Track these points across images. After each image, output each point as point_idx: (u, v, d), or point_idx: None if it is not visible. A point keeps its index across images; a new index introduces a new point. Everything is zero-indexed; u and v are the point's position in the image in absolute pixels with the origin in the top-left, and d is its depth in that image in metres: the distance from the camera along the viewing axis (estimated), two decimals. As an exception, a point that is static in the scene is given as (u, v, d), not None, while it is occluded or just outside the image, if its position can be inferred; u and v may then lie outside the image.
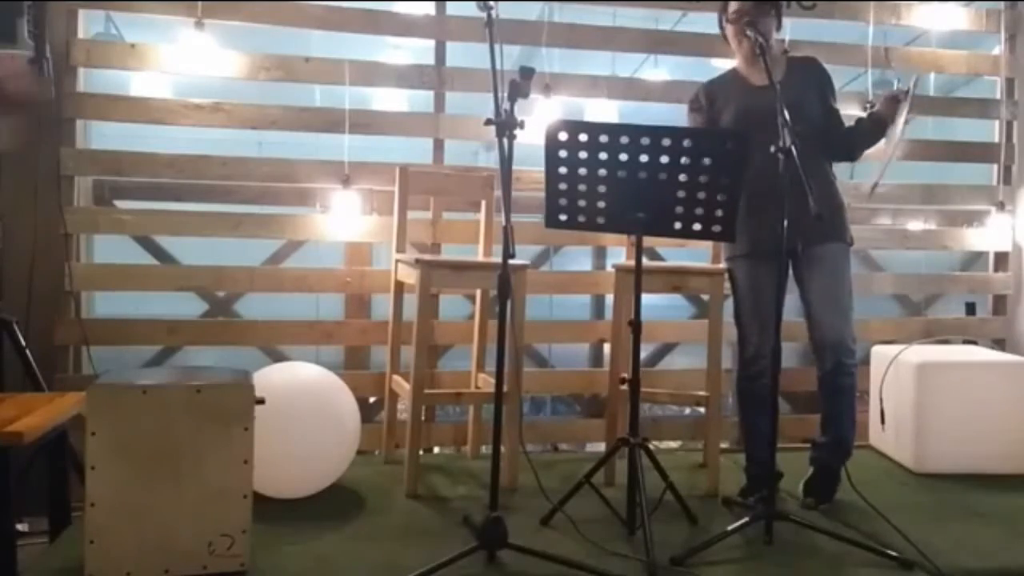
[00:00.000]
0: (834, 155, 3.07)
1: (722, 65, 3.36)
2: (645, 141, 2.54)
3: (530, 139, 2.55)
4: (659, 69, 4.93)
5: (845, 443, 2.93)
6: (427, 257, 3.14)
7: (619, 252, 3.59)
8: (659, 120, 2.64)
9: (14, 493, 2.15)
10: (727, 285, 3.09)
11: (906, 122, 2.96)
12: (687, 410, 4.58)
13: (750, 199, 2.78)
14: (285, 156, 3.53)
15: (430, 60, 3.70)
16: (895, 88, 3.06)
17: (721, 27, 3.04)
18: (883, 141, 3.05)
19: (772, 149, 2.56)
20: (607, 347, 3.55)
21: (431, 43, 3.71)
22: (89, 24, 3.52)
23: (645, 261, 2.74)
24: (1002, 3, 4.14)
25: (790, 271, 2.77)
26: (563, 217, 2.68)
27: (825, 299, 2.89)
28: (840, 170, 3.16)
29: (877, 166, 3.18)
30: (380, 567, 2.39)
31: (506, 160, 2.39)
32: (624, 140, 2.57)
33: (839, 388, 2.89)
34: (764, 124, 2.66)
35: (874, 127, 3.03)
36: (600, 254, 4.04)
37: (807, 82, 3.00)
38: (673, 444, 3.99)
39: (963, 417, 3.33)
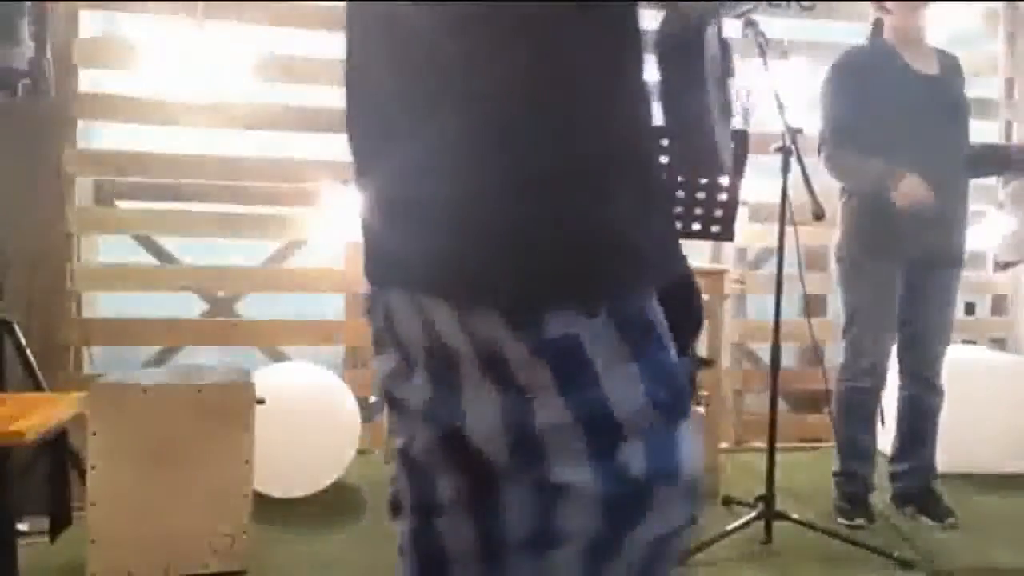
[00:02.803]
0: None
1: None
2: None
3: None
4: (659, 69, 4.93)
5: (932, 466, 2.89)
6: (427, 257, 3.14)
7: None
8: (658, 120, 2.63)
9: (15, 493, 2.16)
10: (733, 286, 3.05)
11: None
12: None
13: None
14: (286, 156, 3.53)
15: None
16: None
17: None
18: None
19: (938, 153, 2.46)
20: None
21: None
22: (90, 24, 3.52)
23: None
24: (1002, 3, 4.14)
25: (902, 279, 2.71)
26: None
27: (937, 323, 2.80)
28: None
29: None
30: (380, 566, 2.39)
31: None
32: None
33: (930, 408, 2.84)
34: (931, 121, 2.56)
35: (999, 164, 2.89)
36: (600, 254, 4.04)
37: (960, 83, 2.79)
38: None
39: (963, 417, 3.32)
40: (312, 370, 2.99)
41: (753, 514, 2.58)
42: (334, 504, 2.85)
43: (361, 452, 3.15)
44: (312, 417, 2.80)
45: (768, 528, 2.56)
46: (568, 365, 0.80)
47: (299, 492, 2.83)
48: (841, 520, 2.76)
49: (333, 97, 3.62)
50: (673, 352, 0.85)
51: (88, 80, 3.44)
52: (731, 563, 2.43)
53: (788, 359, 3.09)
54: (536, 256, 0.79)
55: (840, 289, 2.83)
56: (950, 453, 3.32)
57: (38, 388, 2.73)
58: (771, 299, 2.69)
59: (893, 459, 2.91)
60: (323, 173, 3.50)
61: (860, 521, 2.73)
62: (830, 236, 2.91)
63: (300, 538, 2.54)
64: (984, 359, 3.53)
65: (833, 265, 2.86)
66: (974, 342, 3.98)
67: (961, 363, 3.46)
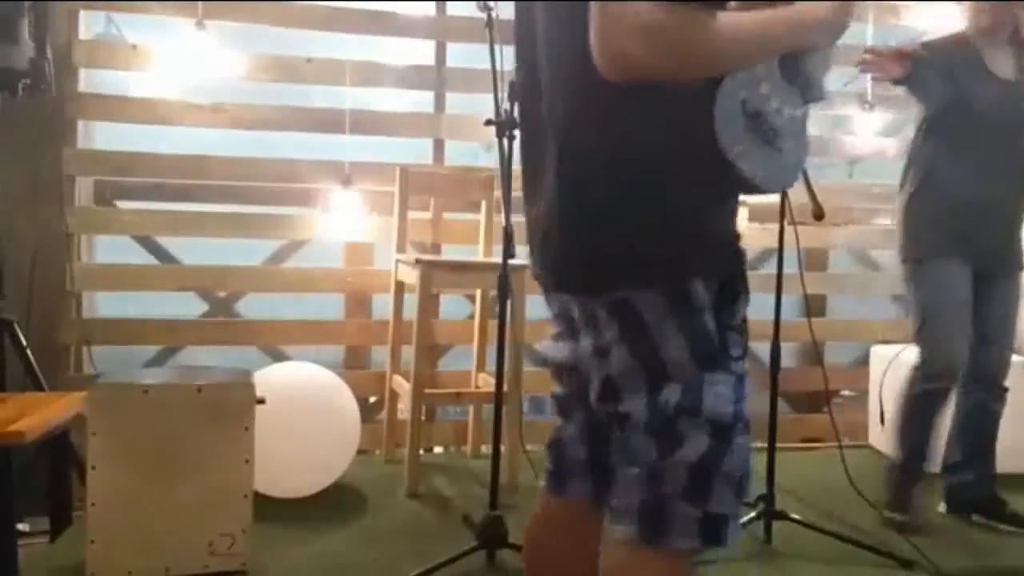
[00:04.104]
0: None
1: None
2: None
3: (530, 139, 2.55)
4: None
5: (994, 472, 2.85)
6: (427, 257, 3.15)
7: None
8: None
9: (15, 493, 2.16)
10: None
11: None
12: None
13: (968, 205, 2.62)
14: (286, 156, 3.53)
15: (430, 60, 3.71)
16: None
17: None
18: None
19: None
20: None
21: (431, 43, 3.72)
22: (90, 24, 3.52)
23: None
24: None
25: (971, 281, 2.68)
26: (563, 217, 2.68)
27: (1003, 326, 2.77)
28: (838, 170, 3.15)
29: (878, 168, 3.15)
30: (380, 566, 2.39)
31: (506, 160, 2.39)
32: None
33: (992, 414, 2.80)
34: (1000, 126, 2.56)
35: None
36: (600, 254, 4.03)
37: None
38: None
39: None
40: (312, 370, 2.99)
41: (753, 514, 2.58)
42: (334, 504, 2.85)
43: (361, 452, 3.15)
44: (312, 417, 2.80)
45: (768, 528, 2.56)
46: (630, 323, 1.14)
47: (299, 492, 2.83)
48: (886, 512, 2.75)
49: (333, 97, 3.64)
50: (712, 321, 1.14)
51: (88, 80, 3.45)
52: (731, 563, 2.43)
53: (788, 359, 3.09)
54: (616, 254, 1.15)
55: (910, 290, 2.78)
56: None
57: (38, 388, 2.73)
58: (771, 299, 2.69)
59: (953, 467, 2.86)
60: (323, 173, 3.50)
61: (904, 518, 2.72)
62: (830, 236, 2.91)
63: (300, 538, 2.54)
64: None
65: (899, 266, 2.82)
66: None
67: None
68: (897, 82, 2.69)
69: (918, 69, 2.60)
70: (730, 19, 1.04)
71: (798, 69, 1.21)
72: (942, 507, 2.92)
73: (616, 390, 1.17)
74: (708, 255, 1.15)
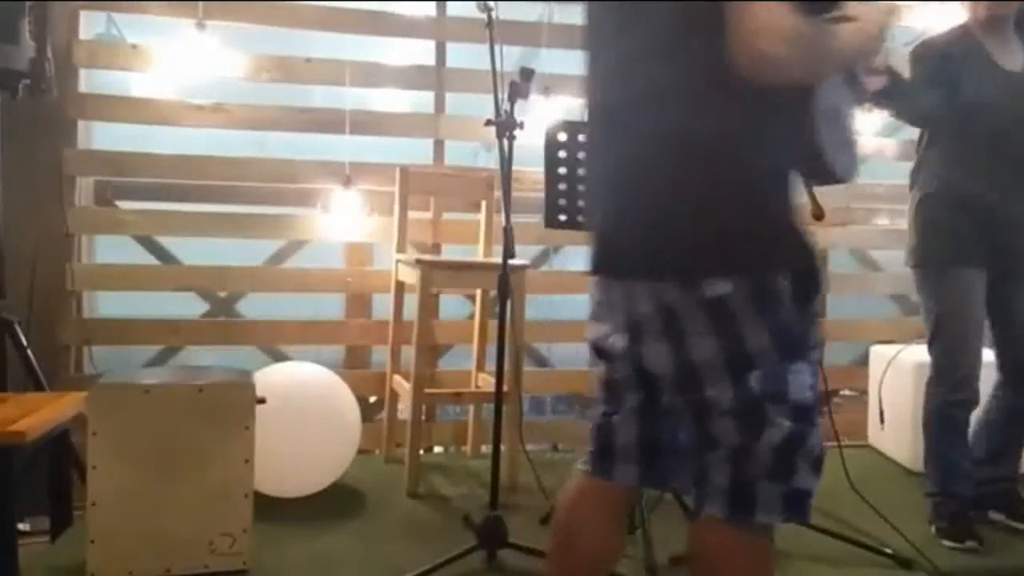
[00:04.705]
0: None
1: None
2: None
3: (530, 140, 2.56)
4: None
5: (1017, 474, 2.80)
6: (427, 257, 3.15)
7: (619, 252, 3.59)
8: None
9: (16, 493, 2.16)
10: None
11: None
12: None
13: (982, 205, 2.56)
14: (286, 157, 3.53)
15: (430, 60, 3.71)
16: None
17: None
18: None
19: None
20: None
21: (431, 43, 3.72)
22: (90, 25, 3.52)
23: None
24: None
25: (987, 283, 2.61)
26: (563, 217, 2.69)
27: None
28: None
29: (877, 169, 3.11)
30: (380, 566, 2.40)
31: (506, 160, 2.39)
32: (624, 140, 2.57)
33: (1020, 413, 2.71)
34: (1009, 119, 2.49)
35: None
36: (600, 254, 4.03)
37: None
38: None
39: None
40: (312, 370, 2.99)
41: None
42: (334, 504, 2.85)
43: (361, 452, 3.15)
44: (312, 417, 2.80)
45: (768, 528, 2.56)
46: (719, 315, 1.23)
47: (299, 492, 2.83)
48: (948, 543, 2.59)
49: (333, 97, 3.64)
50: (794, 312, 1.24)
51: (88, 80, 3.45)
52: (731, 563, 2.44)
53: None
54: (705, 243, 1.23)
55: (921, 297, 2.69)
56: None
57: (38, 388, 2.73)
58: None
59: (980, 464, 2.74)
60: (323, 173, 3.50)
61: (972, 544, 2.57)
62: (830, 236, 2.90)
63: (300, 538, 2.55)
64: (982, 359, 3.49)
65: (910, 272, 2.74)
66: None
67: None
68: (878, 104, 2.60)
69: (895, 85, 2.48)
70: (837, 29, 1.24)
71: (850, 72, 1.40)
72: None
73: (698, 378, 1.26)
74: (793, 250, 1.26)
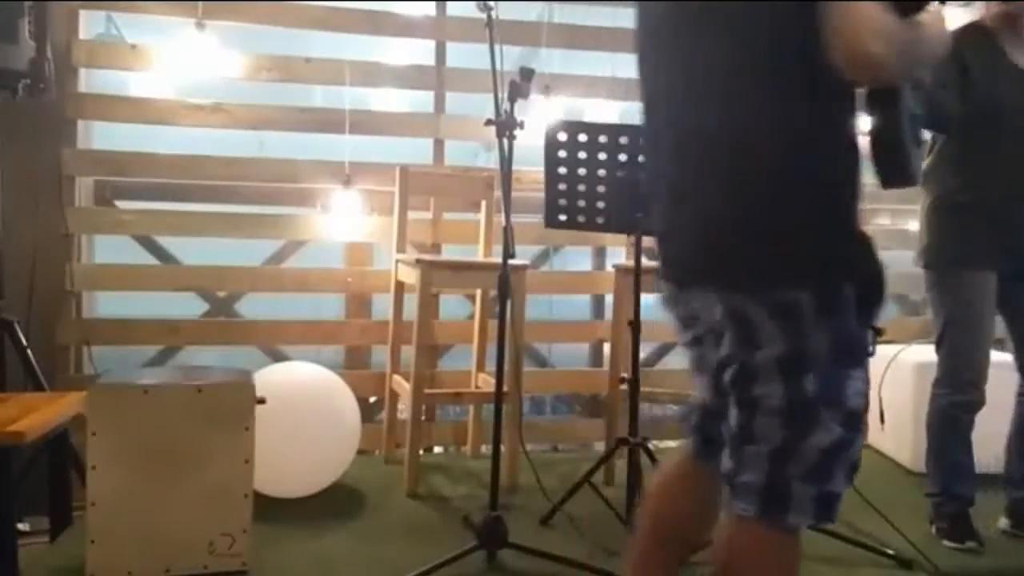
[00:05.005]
0: None
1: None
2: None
3: (530, 139, 2.56)
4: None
5: None
6: (427, 257, 3.15)
7: (619, 252, 3.60)
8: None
9: (15, 493, 2.16)
10: None
11: None
12: (687, 410, 4.57)
13: (995, 206, 2.53)
14: (286, 156, 3.53)
15: (430, 60, 3.71)
16: None
17: None
18: None
19: None
20: (607, 347, 3.55)
21: (431, 43, 3.72)
22: (90, 24, 3.52)
23: (645, 261, 2.76)
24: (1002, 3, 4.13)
25: (998, 287, 2.59)
26: (563, 217, 2.69)
27: None
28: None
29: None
30: (380, 566, 2.40)
31: (506, 160, 2.39)
32: (623, 140, 2.58)
33: None
34: (1020, 117, 2.46)
35: None
36: (600, 254, 4.04)
37: None
38: (673, 444, 3.99)
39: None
40: (312, 370, 2.99)
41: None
42: (334, 504, 2.85)
43: (361, 452, 3.15)
44: (312, 417, 2.80)
45: (768, 528, 2.55)
46: (788, 320, 1.25)
47: (299, 492, 2.83)
48: (949, 543, 2.60)
49: (333, 97, 3.63)
50: (855, 319, 1.26)
51: (88, 80, 3.44)
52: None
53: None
54: (775, 254, 1.26)
55: (931, 298, 2.67)
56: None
57: (38, 388, 2.73)
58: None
59: (1018, 481, 2.72)
60: (323, 173, 3.50)
61: (972, 544, 2.57)
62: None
63: (300, 538, 2.54)
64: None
65: (910, 272, 2.73)
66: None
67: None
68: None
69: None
70: (922, 30, 1.27)
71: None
72: (1004, 522, 2.74)
73: (752, 375, 1.28)
74: (862, 259, 1.28)
